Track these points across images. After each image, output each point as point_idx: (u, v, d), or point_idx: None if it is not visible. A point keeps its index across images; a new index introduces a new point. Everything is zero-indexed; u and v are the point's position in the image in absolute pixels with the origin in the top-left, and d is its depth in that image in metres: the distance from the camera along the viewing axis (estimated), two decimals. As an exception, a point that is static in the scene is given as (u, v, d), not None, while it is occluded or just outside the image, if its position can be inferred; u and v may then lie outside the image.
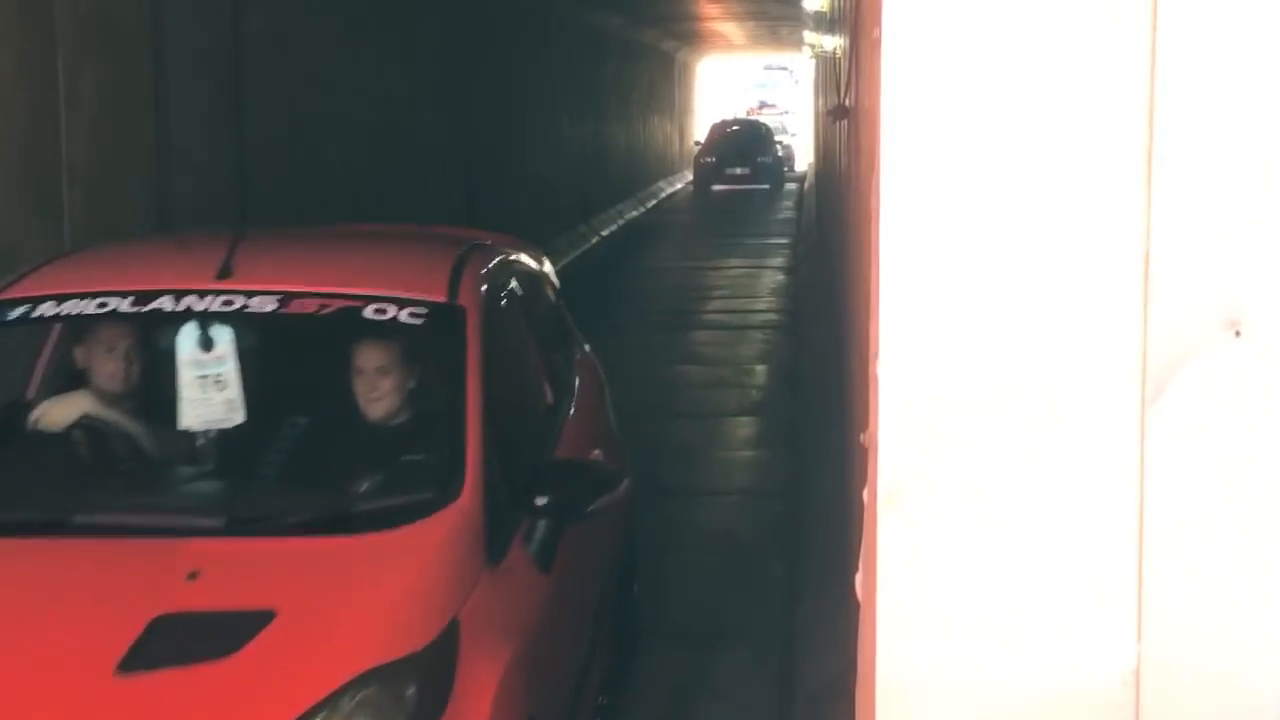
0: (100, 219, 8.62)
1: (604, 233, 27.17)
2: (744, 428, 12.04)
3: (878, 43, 2.18)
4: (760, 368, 14.53)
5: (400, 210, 14.57)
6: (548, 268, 7.06)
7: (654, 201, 34.82)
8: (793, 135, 45.75)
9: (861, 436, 2.45)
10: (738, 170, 37.02)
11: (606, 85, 30.84)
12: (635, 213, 31.82)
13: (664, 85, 41.81)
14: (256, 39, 11.00)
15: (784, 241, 25.67)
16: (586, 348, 7.14)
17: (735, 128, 39.31)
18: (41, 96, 8.05)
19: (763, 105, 53.58)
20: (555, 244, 23.06)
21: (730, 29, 40.76)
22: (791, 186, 37.13)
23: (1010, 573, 2.10)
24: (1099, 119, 2.05)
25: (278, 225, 11.28)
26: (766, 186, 36.17)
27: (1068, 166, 2.05)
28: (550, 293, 6.81)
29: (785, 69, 57.69)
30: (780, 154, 38.99)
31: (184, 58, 9.70)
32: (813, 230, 23.09)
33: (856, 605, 2.52)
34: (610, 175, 30.58)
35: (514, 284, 5.87)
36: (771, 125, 44.25)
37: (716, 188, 36.46)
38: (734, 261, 23.06)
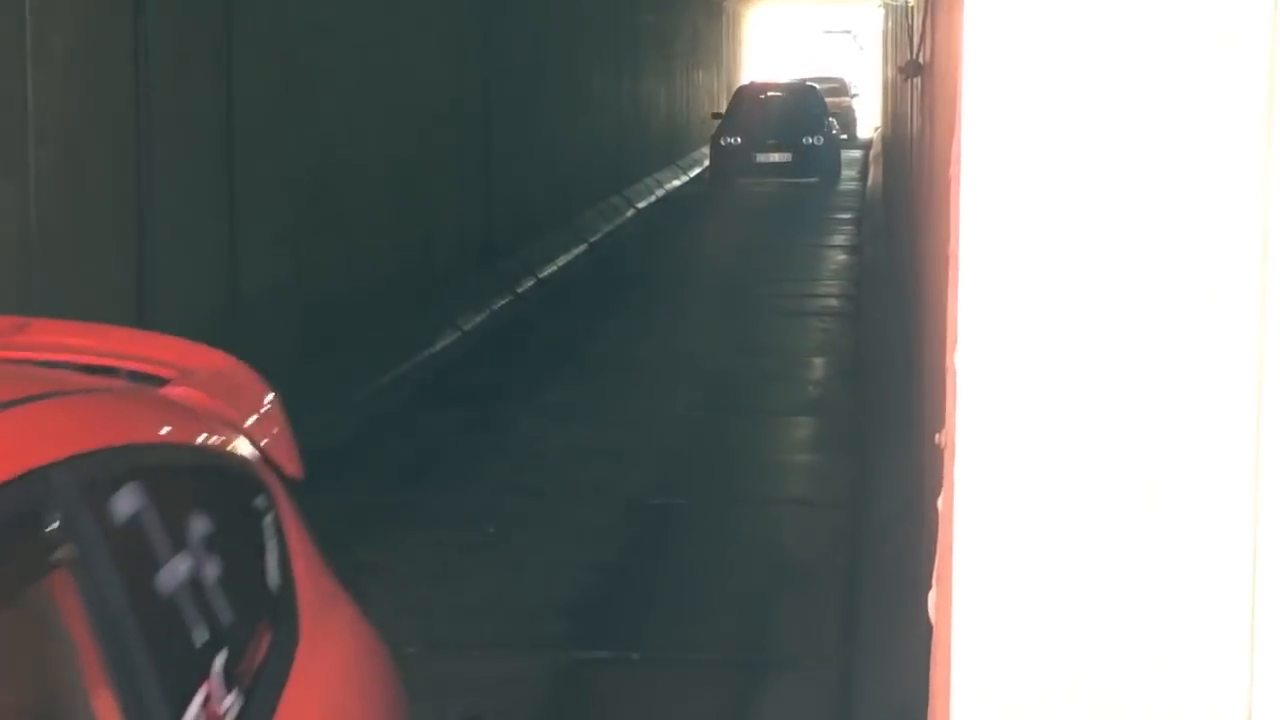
0: (70, 183, 8.66)
1: (640, 205, 27.17)
2: (800, 428, 12.03)
3: (960, -13, 2.17)
4: (819, 360, 14.52)
5: (408, 176, 14.61)
6: (272, 434, 3.86)
7: (697, 170, 34.75)
8: (854, 95, 45.00)
9: (937, 437, 2.44)
10: (774, 157, 30.58)
11: (644, 37, 30.84)
12: (676, 182, 31.82)
13: (710, 37, 41.78)
14: (249, -19, 11.03)
15: (847, 216, 25.65)
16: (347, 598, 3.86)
17: (773, 93, 33.21)
18: (6, 46, 8.08)
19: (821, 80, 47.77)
20: (585, 218, 23.10)
21: (786, -26, 40.71)
22: (855, 154, 36.88)
23: (1111, 596, 2.08)
24: (1214, 80, 2.03)
25: (269, 189, 11.32)
26: (815, 180, 30.33)
27: (1178, 130, 2.04)
28: (253, 511, 3.48)
29: (848, 31, 56.38)
30: (835, 132, 32.82)
31: (167, 3, 9.73)
32: (879, 204, 23.06)
33: (929, 629, 2.51)
34: (648, 140, 30.59)
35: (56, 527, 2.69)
36: (833, 84, 43.50)
37: (742, 181, 30.41)
38: (789, 239, 23.05)
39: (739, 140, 30.55)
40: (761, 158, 30.44)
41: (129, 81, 9.32)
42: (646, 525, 9.44)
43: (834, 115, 35.02)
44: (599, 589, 8.29)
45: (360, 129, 13.40)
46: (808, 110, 31.82)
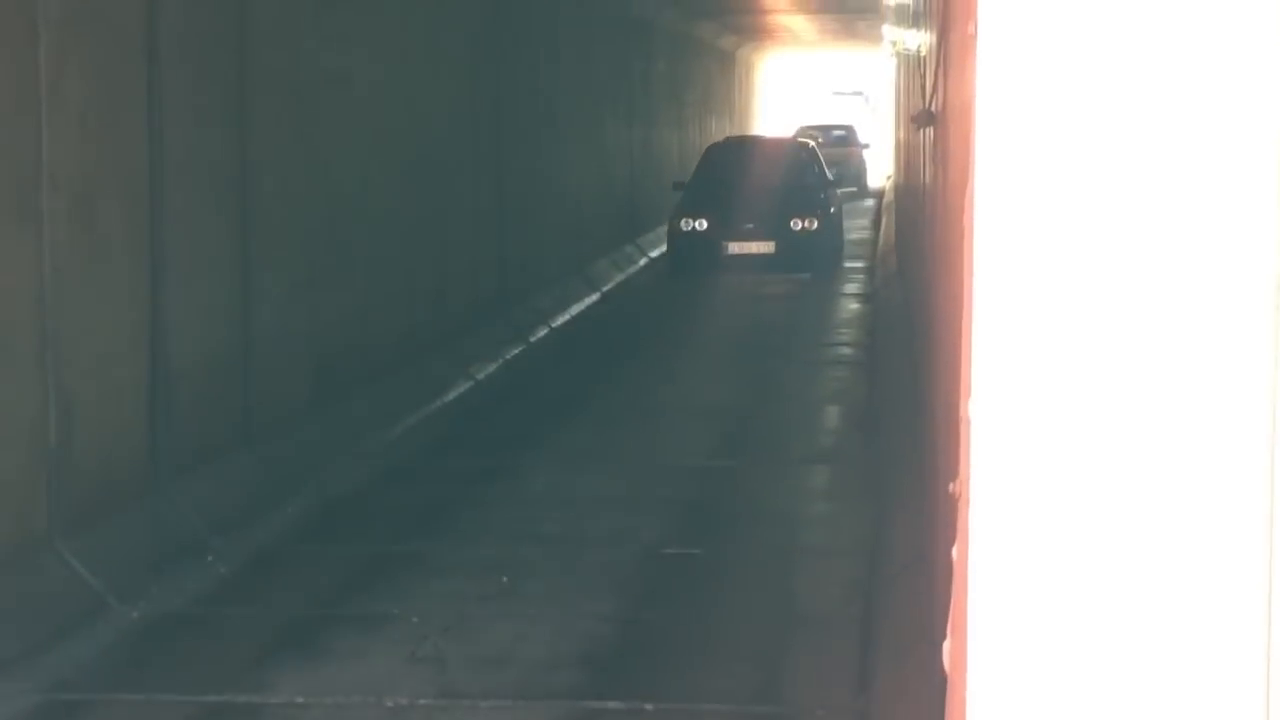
0: (84, 231, 8.68)
1: (653, 254, 27.18)
2: (815, 476, 12.02)
3: (972, 39, 2.18)
4: (833, 409, 14.52)
5: (422, 224, 14.64)
6: None
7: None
8: (865, 146, 44.62)
9: (950, 486, 2.44)
10: (752, 248, 23.39)
11: (657, 86, 30.93)
12: (689, 231, 31.80)
13: (723, 86, 41.89)
14: (263, 32, 11.07)
15: (859, 265, 25.66)
16: None
17: (755, 153, 26.38)
18: (20, 95, 8.12)
19: (829, 135, 41.87)
20: (597, 266, 23.12)
21: (799, 23, 40.80)
22: (867, 203, 36.92)
23: (1128, 646, 2.08)
24: (1227, 126, 2.04)
25: (282, 237, 11.37)
26: (806, 275, 23.30)
27: (1191, 178, 2.04)
28: None
29: (860, 94, 55.35)
30: (835, 209, 25.34)
31: (181, 52, 9.76)
32: (892, 253, 23.08)
33: (943, 680, 2.51)
34: (661, 188, 30.65)
35: None
36: (842, 132, 43.01)
37: (711, 277, 23.30)
38: (802, 287, 23.03)
39: (704, 225, 23.38)
40: (735, 249, 23.25)
41: (143, 130, 9.36)
42: (660, 574, 9.42)
43: (844, 166, 32.64)
44: (612, 639, 8.27)
45: (373, 177, 13.43)
46: (799, 180, 24.88)
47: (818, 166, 26.16)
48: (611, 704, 7.34)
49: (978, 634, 2.12)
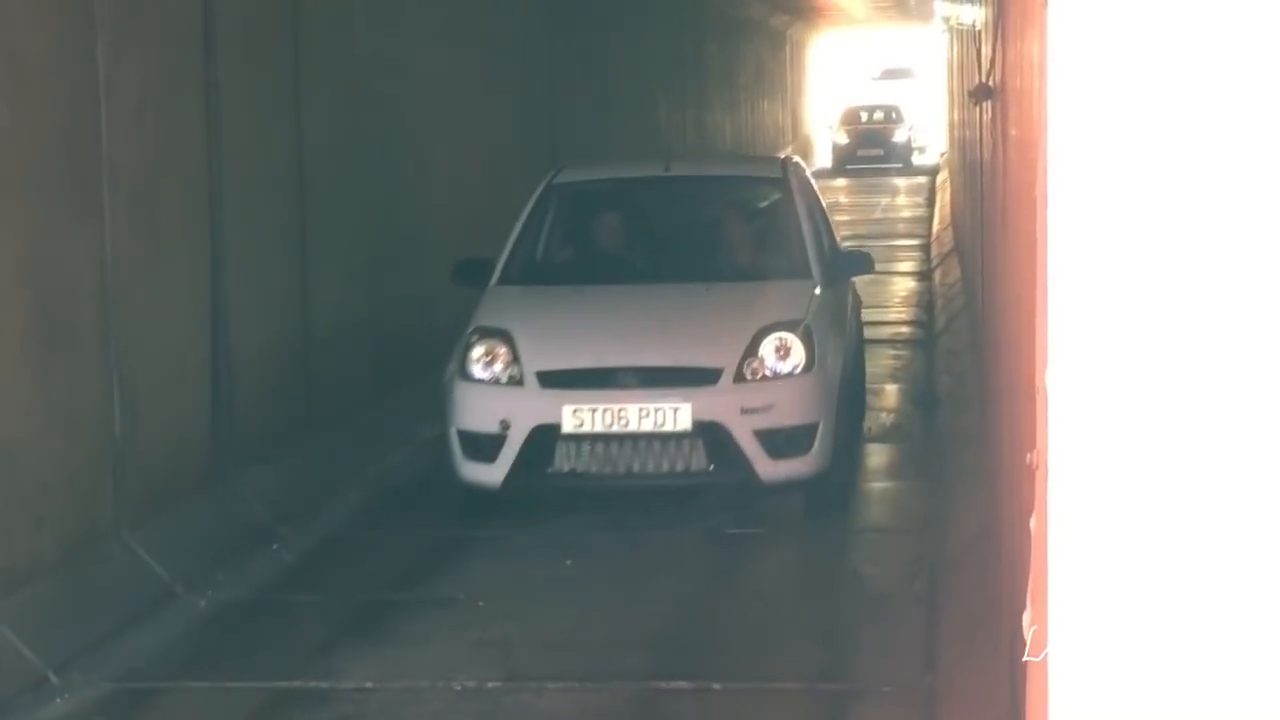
0: (145, 223, 8.73)
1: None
2: (874, 455, 12.00)
3: (1043, 6, 2.18)
4: (890, 387, 14.48)
5: (477, 211, 14.67)
6: None
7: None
8: (909, 127, 43.56)
9: (1028, 456, 2.45)
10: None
11: (708, 67, 30.88)
12: (743, 212, 31.73)
13: (774, 66, 41.80)
14: (317, 17, 11.10)
15: (914, 243, 25.59)
16: None
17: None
18: (80, 87, 8.17)
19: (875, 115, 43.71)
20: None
21: (850, 0, 40.65)
22: (920, 180, 36.75)
23: (1209, 614, 2.08)
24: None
25: (340, 226, 11.41)
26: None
27: (1275, 148, 2.03)
28: None
29: (907, 71, 53.32)
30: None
31: (237, 40, 9.81)
32: (947, 231, 23.00)
33: (1012, 654, 2.51)
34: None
35: None
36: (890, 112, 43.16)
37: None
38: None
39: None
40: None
41: (200, 120, 9.41)
42: (724, 554, 9.43)
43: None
44: (676, 618, 8.29)
45: (429, 164, 13.46)
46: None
47: (810, 215, 12.35)
48: (679, 683, 7.35)
49: (1059, 602, 2.12)
